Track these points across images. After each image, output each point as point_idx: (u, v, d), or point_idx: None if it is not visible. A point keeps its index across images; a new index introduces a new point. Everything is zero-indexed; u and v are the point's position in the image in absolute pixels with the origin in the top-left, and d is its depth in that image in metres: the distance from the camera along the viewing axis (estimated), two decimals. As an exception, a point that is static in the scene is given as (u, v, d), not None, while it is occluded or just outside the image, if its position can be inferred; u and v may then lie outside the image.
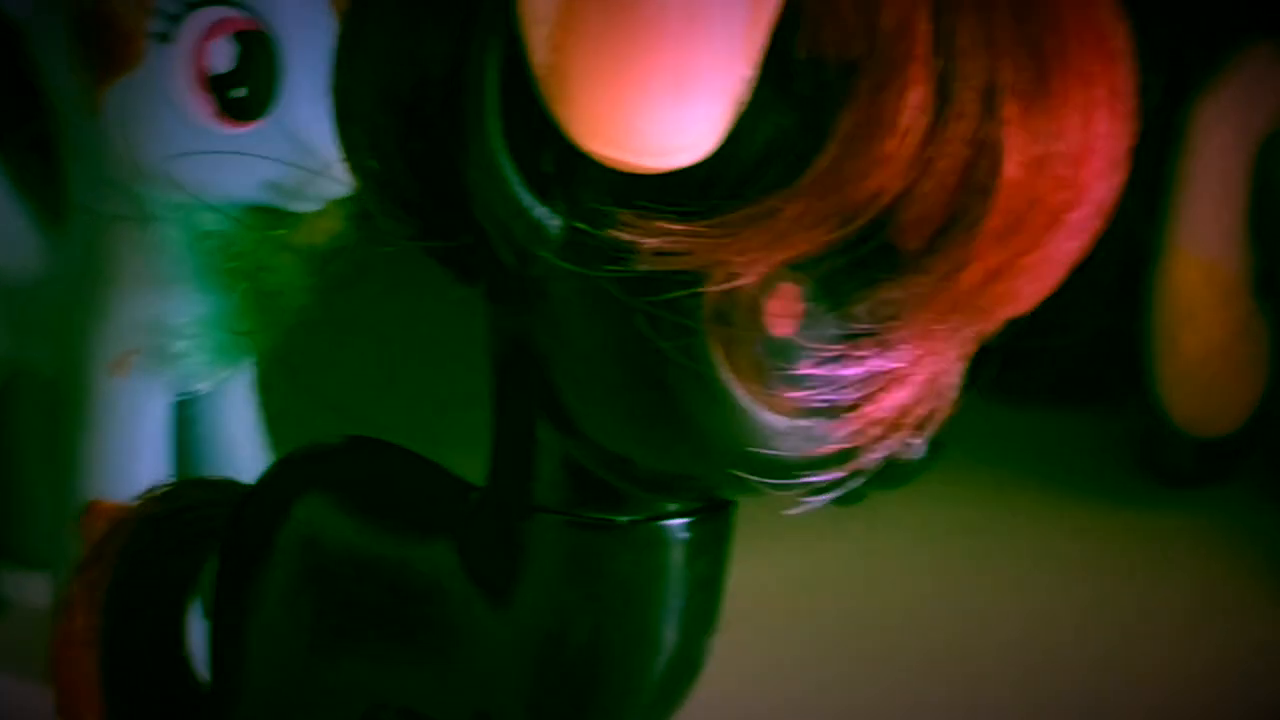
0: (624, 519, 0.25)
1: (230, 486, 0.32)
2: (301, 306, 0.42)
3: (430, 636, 0.27)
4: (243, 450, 0.47)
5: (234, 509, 0.30)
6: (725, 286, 0.21)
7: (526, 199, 0.22)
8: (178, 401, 0.44)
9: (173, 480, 0.33)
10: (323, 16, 0.40)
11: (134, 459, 0.43)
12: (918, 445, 0.23)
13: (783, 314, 0.21)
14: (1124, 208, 0.22)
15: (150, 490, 0.33)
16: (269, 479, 0.30)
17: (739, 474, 0.22)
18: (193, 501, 0.32)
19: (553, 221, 0.22)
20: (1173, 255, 0.53)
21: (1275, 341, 0.53)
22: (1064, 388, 0.59)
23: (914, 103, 0.20)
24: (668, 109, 0.19)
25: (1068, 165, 0.20)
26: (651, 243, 0.21)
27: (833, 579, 0.52)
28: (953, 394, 0.23)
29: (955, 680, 0.48)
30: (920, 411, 0.22)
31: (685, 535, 0.25)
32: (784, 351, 0.22)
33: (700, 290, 0.21)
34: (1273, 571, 0.53)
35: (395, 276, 0.31)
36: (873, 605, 0.50)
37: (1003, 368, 0.24)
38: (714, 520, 0.25)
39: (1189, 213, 0.52)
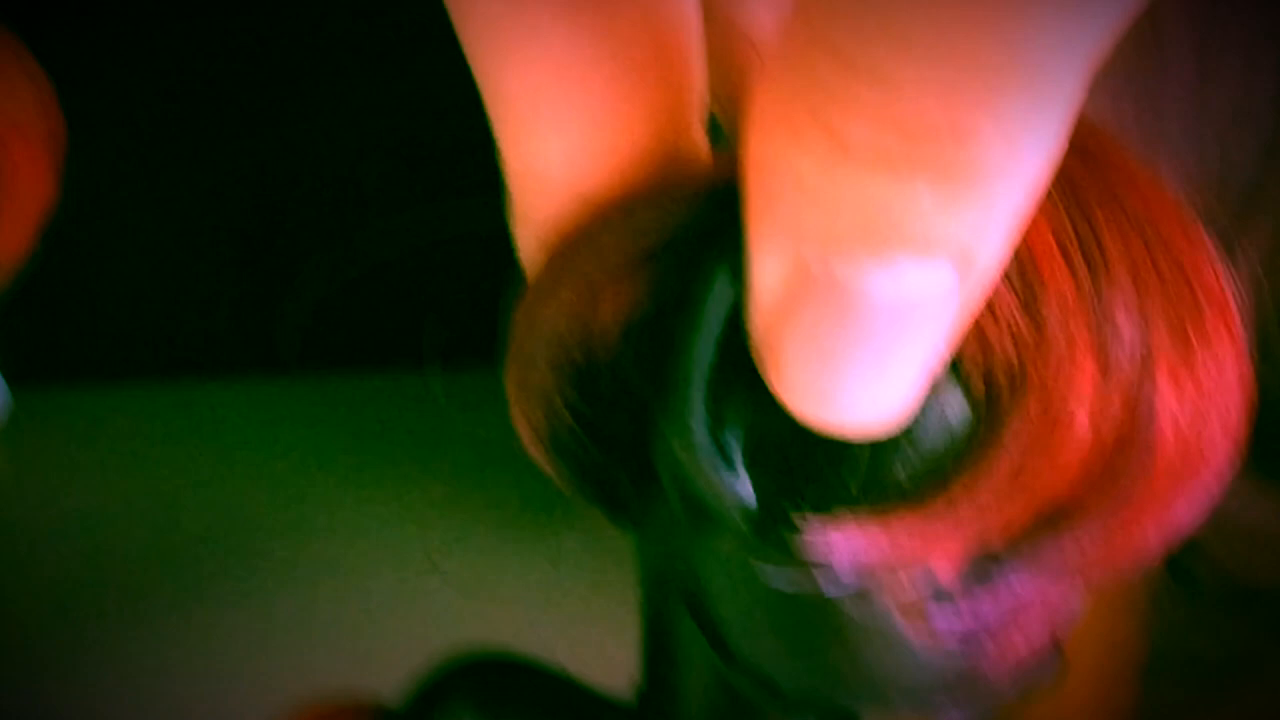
0: None
1: (376, 709, 0.32)
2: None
3: None
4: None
5: None
6: (912, 589, 0.22)
7: (725, 478, 0.22)
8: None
9: (321, 707, 0.32)
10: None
11: None
12: (1051, 661, 0.24)
13: (949, 562, 0.22)
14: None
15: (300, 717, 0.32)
16: (414, 702, 0.30)
17: (892, 702, 0.23)
18: None
19: (748, 493, 0.22)
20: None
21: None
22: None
23: (1086, 412, 0.20)
24: (874, 383, 0.20)
25: (1210, 424, 0.21)
26: (848, 549, 0.21)
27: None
28: (1077, 617, 0.24)
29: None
30: (1050, 636, 0.23)
31: None
32: (944, 591, 0.22)
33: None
34: None
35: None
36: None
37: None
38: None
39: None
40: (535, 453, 0.25)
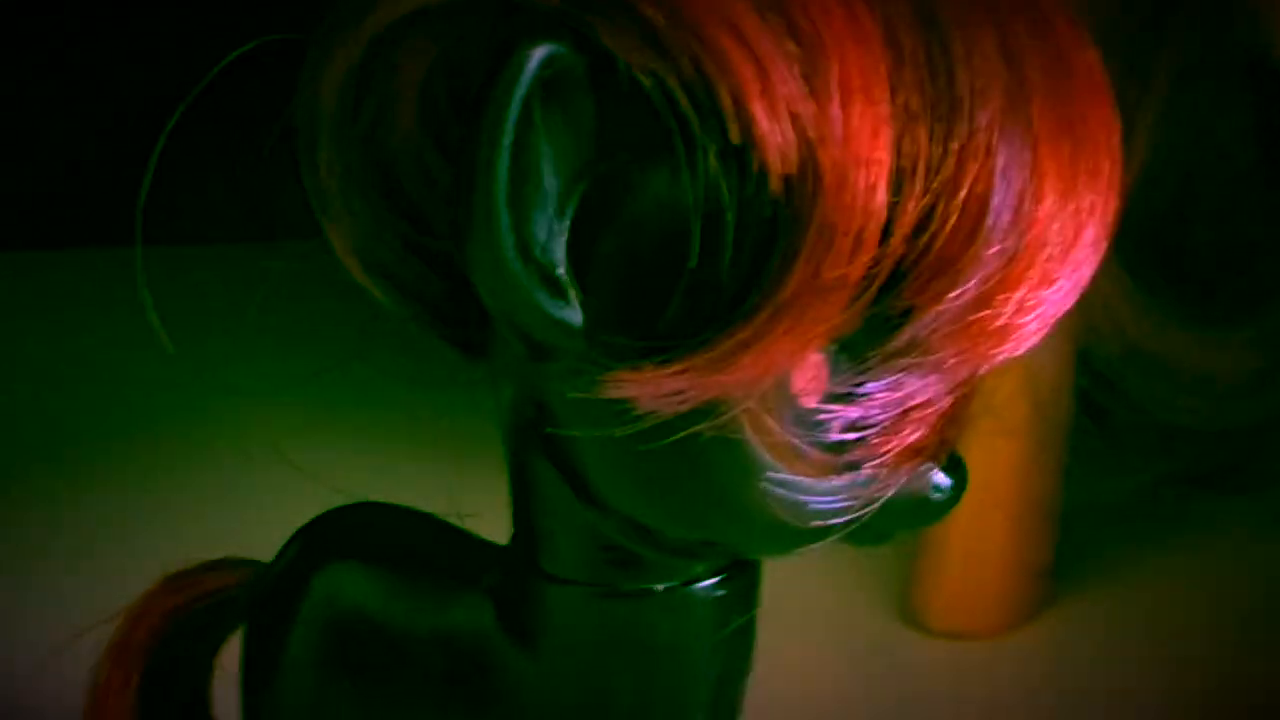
0: (659, 586, 0.24)
1: (248, 567, 0.32)
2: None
3: (477, 693, 0.25)
4: None
5: (253, 590, 0.29)
6: (730, 416, 0.20)
7: (545, 300, 0.20)
8: None
9: (191, 568, 0.32)
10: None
11: None
12: (942, 482, 0.22)
13: (808, 386, 0.21)
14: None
15: (170, 578, 0.32)
16: (286, 555, 0.29)
17: (770, 538, 0.22)
18: (212, 587, 0.32)
19: (574, 317, 0.20)
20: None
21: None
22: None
23: (882, 188, 0.19)
24: None
25: (1080, 214, 0.20)
26: (648, 393, 0.20)
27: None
28: (964, 424, 0.23)
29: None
30: (934, 442, 0.22)
31: (720, 593, 0.24)
32: (811, 416, 0.21)
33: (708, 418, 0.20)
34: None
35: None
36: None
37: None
38: (745, 573, 0.25)
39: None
40: (358, 275, 0.23)
